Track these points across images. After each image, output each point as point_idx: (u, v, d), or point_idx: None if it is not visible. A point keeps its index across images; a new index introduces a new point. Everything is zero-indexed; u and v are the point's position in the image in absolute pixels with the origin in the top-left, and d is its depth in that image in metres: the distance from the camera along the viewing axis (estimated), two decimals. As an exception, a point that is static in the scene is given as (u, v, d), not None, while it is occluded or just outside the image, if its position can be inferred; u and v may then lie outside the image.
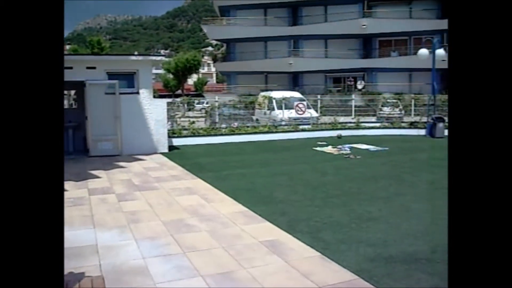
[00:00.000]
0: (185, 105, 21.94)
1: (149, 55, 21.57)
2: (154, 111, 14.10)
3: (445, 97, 25.04)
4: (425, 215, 6.84)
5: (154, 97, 15.43)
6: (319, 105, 23.74)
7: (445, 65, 28.31)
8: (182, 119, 19.72)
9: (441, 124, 19.26)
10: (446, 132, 19.29)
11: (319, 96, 24.86)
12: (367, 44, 39.82)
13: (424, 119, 21.07)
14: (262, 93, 24.45)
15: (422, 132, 19.88)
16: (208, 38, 62.38)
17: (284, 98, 21.55)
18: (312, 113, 21.91)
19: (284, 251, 5.24)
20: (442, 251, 5.20)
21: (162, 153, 14.02)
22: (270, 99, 22.25)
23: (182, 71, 61.16)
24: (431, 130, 19.24)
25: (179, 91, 63.60)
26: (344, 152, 14.26)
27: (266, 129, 18.97)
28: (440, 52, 20.92)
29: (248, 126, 19.57)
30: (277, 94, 22.72)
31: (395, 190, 8.62)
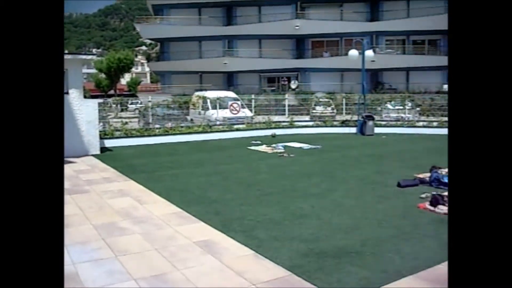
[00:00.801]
0: (118, 105, 21.42)
1: (79, 53, 20.86)
2: (85, 111, 13.66)
3: (375, 96, 26.00)
4: (355, 210, 7.07)
5: (86, 97, 14.93)
6: (253, 105, 23.91)
7: (374, 66, 29.38)
8: (115, 120, 19.21)
9: (370, 122, 19.97)
10: (375, 130, 20.06)
11: (253, 96, 25.04)
12: (300, 44, 40.52)
13: (355, 117, 21.74)
14: (197, 93, 24.30)
15: (353, 130, 20.52)
16: (141, 37, 61.12)
17: (218, 98, 21.54)
18: (246, 112, 22.05)
19: (218, 251, 5.24)
20: (371, 245, 5.40)
21: (94, 155, 13.60)
22: (204, 99, 22.16)
23: (114, 71, 59.58)
24: (362, 128, 19.92)
25: (112, 91, 61.96)
26: (278, 150, 14.45)
27: (200, 129, 18.88)
28: (369, 53, 21.70)
29: (182, 126, 19.39)
30: (211, 94, 22.66)
31: (327, 187, 8.85)
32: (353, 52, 21.17)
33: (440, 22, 33.82)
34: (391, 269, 4.64)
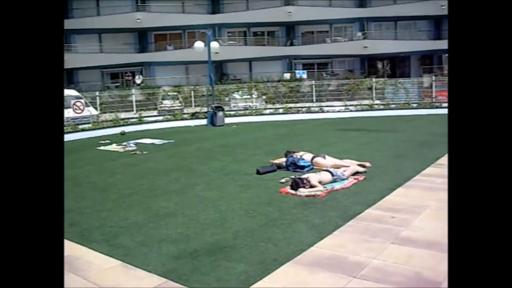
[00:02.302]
0: None
1: None
2: None
3: (222, 87, 26.32)
4: (220, 202, 6.92)
5: None
6: (98, 102, 22.63)
7: (218, 57, 29.69)
8: None
9: (220, 113, 20.18)
10: (226, 120, 20.32)
11: (97, 93, 23.70)
12: (143, 38, 39.30)
13: (205, 109, 21.80)
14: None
15: (204, 121, 20.57)
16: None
17: (58, 97, 19.89)
18: (91, 111, 20.77)
19: (80, 267, 4.65)
20: (243, 236, 5.29)
21: None
22: (42, 99, 20.30)
23: None
24: (212, 119, 20.03)
25: None
26: (130, 148, 13.79)
27: (41, 132, 17.23)
28: (215, 44, 21.82)
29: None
30: (50, 93, 20.84)
31: (187, 181, 8.60)
32: (199, 44, 21.12)
33: (277, 14, 35.49)
34: (268, 259, 4.56)
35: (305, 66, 37.10)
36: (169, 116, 22.33)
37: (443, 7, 33.11)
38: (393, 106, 23.67)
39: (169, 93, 26.81)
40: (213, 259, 4.63)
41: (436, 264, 4.29)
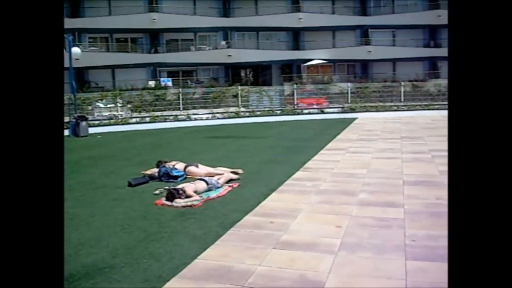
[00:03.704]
0: None
1: None
2: None
3: (85, 95, 25.01)
4: (92, 219, 6.52)
5: None
6: None
7: (78, 64, 28.21)
8: None
9: (84, 123, 19.21)
10: (90, 130, 19.36)
11: None
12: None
13: (66, 119, 20.55)
14: None
15: (66, 132, 19.36)
16: None
17: None
18: None
19: None
20: (122, 254, 5.03)
21: None
22: None
23: None
24: (75, 130, 18.99)
25: None
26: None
27: None
28: (76, 50, 20.71)
29: None
30: None
31: (53, 198, 7.98)
32: (58, 50, 19.85)
33: (141, 21, 34.76)
34: (152, 276, 4.38)
35: (170, 74, 36.81)
36: (25, 127, 20.64)
37: (300, 19, 35.21)
38: (258, 113, 24.51)
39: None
40: (93, 282, 4.33)
41: (317, 264, 4.50)
